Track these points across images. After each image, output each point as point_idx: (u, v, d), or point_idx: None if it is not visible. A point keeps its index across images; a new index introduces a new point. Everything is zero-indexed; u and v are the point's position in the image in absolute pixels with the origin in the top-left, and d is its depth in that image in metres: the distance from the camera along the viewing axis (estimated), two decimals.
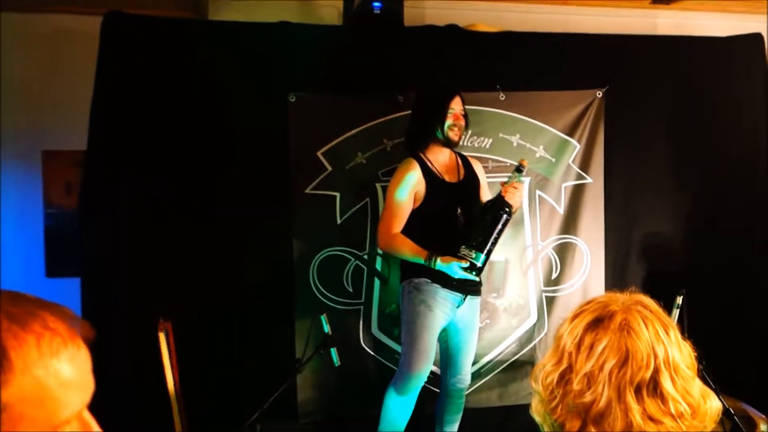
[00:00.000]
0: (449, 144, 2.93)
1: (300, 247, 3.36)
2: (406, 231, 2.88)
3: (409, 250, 2.81)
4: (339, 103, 3.39)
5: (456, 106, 2.92)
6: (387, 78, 3.38)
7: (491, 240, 2.73)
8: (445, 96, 2.93)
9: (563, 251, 3.64)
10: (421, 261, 2.81)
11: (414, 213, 2.89)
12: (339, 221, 3.40)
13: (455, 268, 2.74)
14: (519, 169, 2.77)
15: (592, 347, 1.08)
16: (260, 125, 3.30)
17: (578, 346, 1.09)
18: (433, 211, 2.92)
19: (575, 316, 1.13)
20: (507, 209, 2.72)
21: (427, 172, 2.92)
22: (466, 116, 2.99)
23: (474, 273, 2.76)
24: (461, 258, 2.72)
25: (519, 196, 2.79)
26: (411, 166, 2.91)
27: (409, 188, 2.88)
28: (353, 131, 3.39)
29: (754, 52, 3.69)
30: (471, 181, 3.04)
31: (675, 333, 1.12)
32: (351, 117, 3.40)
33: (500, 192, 2.78)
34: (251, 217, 3.28)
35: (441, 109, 2.90)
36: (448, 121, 2.89)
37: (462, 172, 3.01)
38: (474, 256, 2.71)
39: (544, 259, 3.62)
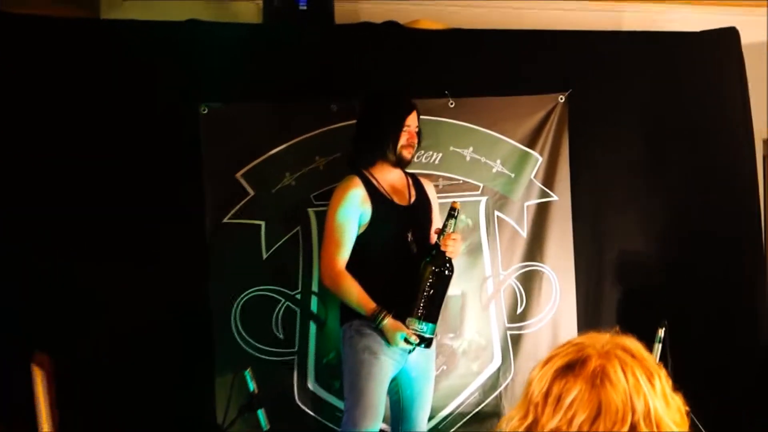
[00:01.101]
0: (401, 164, 2.89)
1: (218, 288, 3.20)
2: (350, 262, 2.80)
3: (356, 298, 2.76)
4: (261, 114, 3.26)
5: (412, 122, 2.89)
6: (317, 84, 3.27)
7: (438, 305, 2.74)
8: (403, 111, 2.87)
9: (528, 281, 3.54)
10: (364, 314, 2.75)
11: (358, 240, 2.81)
12: (265, 255, 3.25)
13: (399, 342, 2.73)
14: (452, 215, 2.72)
15: (560, 399, 1.06)
16: (166, 142, 3.14)
17: (545, 396, 1.08)
18: (381, 238, 2.84)
19: (547, 361, 1.11)
20: (450, 266, 2.73)
21: (373, 192, 2.86)
22: (419, 133, 2.94)
23: (424, 345, 2.75)
24: (410, 332, 2.72)
25: (459, 247, 2.80)
26: (353, 183, 2.84)
27: (352, 209, 2.80)
28: (279, 148, 3.25)
29: (730, 47, 3.64)
30: (422, 203, 2.97)
31: (661, 383, 1.09)
32: (275, 131, 3.26)
33: (438, 246, 2.72)
34: (157, 251, 3.12)
35: (396, 126, 2.85)
36: (402, 140, 2.83)
37: (413, 193, 2.94)
38: (423, 328, 2.72)
39: (507, 290, 3.52)
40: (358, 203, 2.82)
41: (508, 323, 3.50)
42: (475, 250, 3.43)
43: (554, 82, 3.51)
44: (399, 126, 2.85)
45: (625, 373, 1.07)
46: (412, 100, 2.94)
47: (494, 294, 3.49)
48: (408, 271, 2.78)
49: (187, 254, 3.17)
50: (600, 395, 1.05)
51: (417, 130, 2.92)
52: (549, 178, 3.53)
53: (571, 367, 1.08)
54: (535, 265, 3.54)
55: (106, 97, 3.11)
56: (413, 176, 3.05)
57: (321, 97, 3.27)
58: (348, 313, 2.85)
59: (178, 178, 3.17)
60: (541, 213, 3.53)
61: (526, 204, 3.53)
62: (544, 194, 3.54)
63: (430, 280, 2.72)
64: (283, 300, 3.26)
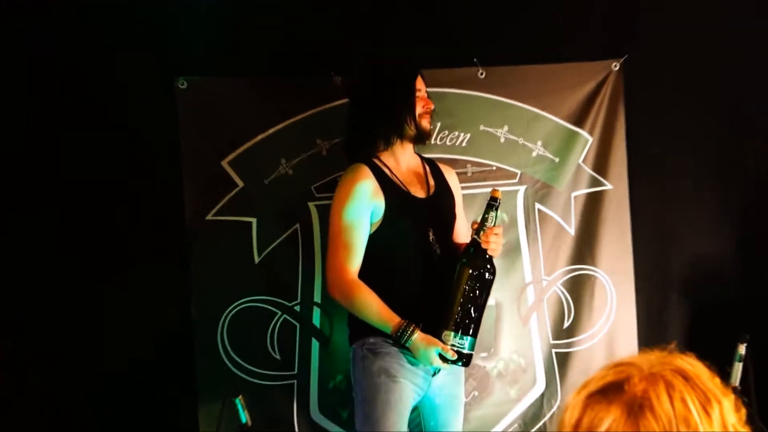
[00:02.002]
0: (422, 137, 2.77)
1: (201, 299, 3.10)
2: (362, 268, 2.68)
3: (375, 312, 2.62)
4: (250, 90, 3.13)
5: (421, 86, 2.77)
6: (317, 53, 3.12)
7: (480, 314, 2.62)
8: (408, 74, 2.75)
9: (578, 288, 3.39)
10: (388, 330, 2.61)
11: (369, 241, 2.69)
12: (257, 259, 3.12)
13: (434, 359, 2.58)
14: (493, 205, 2.58)
15: (591, 430, 1.05)
16: (137, 125, 3.02)
17: (575, 427, 1.07)
18: (397, 238, 2.71)
19: (584, 386, 1.09)
20: (491, 268, 2.59)
21: (386, 182, 2.71)
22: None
23: (461, 363, 2.62)
24: (446, 347, 2.58)
25: (501, 243, 2.66)
26: (361, 173, 2.71)
27: (362, 205, 2.68)
28: (273, 129, 3.12)
29: None
30: (444, 195, 2.81)
31: (722, 413, 1.04)
32: (269, 109, 3.14)
33: (477, 243, 2.58)
34: (127, 255, 3.05)
35: (407, 91, 2.72)
36: (418, 107, 2.73)
37: (432, 183, 2.79)
38: (462, 343, 2.58)
39: (551, 300, 3.38)
40: (369, 196, 2.67)
41: (553, 340, 3.39)
42: (512, 252, 3.29)
43: (607, 47, 3.36)
44: (410, 91, 2.71)
45: (671, 399, 1.03)
46: (414, 62, 2.81)
47: (536, 304, 3.37)
48: (431, 276, 2.67)
49: (163, 259, 3.09)
50: (638, 425, 1.02)
51: (428, 95, 2.77)
52: (601, 163, 3.39)
53: (607, 392, 1.06)
54: (586, 269, 3.42)
55: (65, 72, 2.97)
56: (431, 163, 2.88)
57: (323, 68, 3.14)
58: (359, 328, 2.68)
59: (151, 167, 3.06)
60: (592, 205, 3.40)
61: (573, 194, 3.38)
62: (595, 182, 3.41)
63: (468, 285, 2.58)
64: (280, 313, 3.15)
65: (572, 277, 3.40)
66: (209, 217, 3.07)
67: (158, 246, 3.06)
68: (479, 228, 2.59)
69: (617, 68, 3.34)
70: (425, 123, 2.75)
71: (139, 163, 3.01)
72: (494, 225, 2.58)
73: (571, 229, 3.38)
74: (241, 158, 3.10)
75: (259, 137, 3.11)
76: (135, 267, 3.02)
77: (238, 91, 3.11)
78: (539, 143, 3.32)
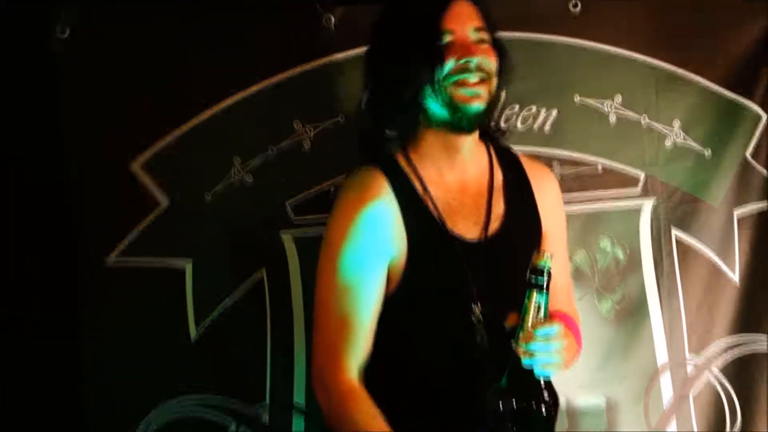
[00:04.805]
0: (462, 121, 2.18)
1: (101, 408, 2.66)
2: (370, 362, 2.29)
3: None
4: (177, 35, 2.65)
5: (458, 23, 2.17)
6: None
7: None
8: (434, 6, 2.20)
9: (747, 374, 2.91)
10: None
11: (383, 312, 2.26)
12: (194, 334, 2.66)
13: None
14: (536, 283, 2.07)
15: None
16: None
17: None
18: (418, 314, 2.27)
19: None
20: (546, 396, 2.16)
21: (412, 204, 2.24)
22: (497, 46, 2.20)
23: None
24: None
25: (559, 350, 2.15)
26: (371, 188, 2.24)
27: (371, 248, 2.21)
28: (217, 106, 2.63)
29: None
30: (519, 231, 2.32)
31: None
32: (211, 71, 2.64)
33: (512, 352, 2.13)
34: None
35: (426, 38, 2.17)
36: (447, 66, 2.13)
37: (500, 206, 2.31)
38: None
39: (702, 396, 2.91)
40: (383, 232, 2.21)
41: None
42: (633, 313, 2.84)
43: None
44: (431, 36, 2.17)
45: None
46: None
47: (677, 404, 2.89)
48: (468, 383, 2.23)
49: (35, 335, 2.66)
50: None
51: (483, 37, 2.19)
52: None
53: None
54: (761, 341, 2.91)
55: None
56: (512, 162, 2.35)
57: None
58: None
59: (12, 176, 2.65)
60: None
61: (737, 213, 2.90)
62: None
63: (502, 426, 2.17)
64: (234, 425, 2.70)
65: (736, 357, 2.93)
66: (111, 260, 2.61)
67: (31, 308, 2.64)
68: (518, 326, 2.10)
69: None
70: (461, 94, 2.13)
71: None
72: (542, 318, 2.06)
73: (735, 274, 2.91)
74: (164, 157, 2.62)
75: (194, 121, 2.61)
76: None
77: (157, 36, 2.63)
78: (677, 125, 2.84)
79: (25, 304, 2.67)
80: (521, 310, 2.06)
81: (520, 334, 2.06)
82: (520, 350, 2.07)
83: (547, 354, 2.07)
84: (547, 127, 2.78)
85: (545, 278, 2.02)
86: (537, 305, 2.04)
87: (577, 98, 2.76)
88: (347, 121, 2.61)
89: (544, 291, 2.03)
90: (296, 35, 2.68)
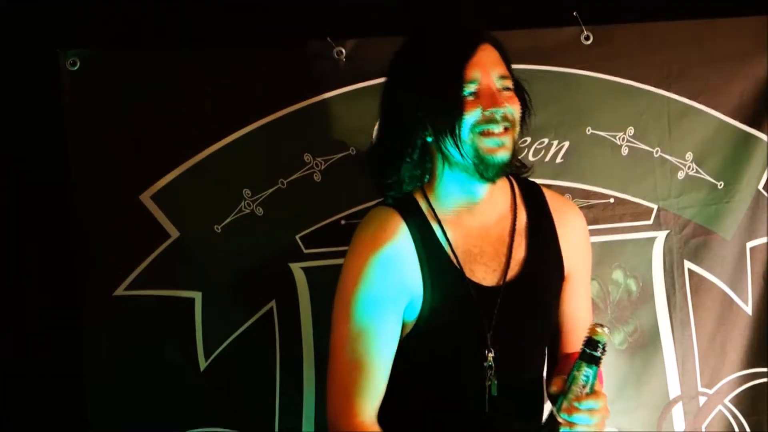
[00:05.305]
0: (489, 170, 2.16)
1: None
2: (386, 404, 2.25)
3: None
4: (188, 69, 2.63)
5: (481, 72, 2.13)
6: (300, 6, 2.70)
7: None
8: (458, 52, 2.15)
9: (760, 407, 2.92)
10: None
11: (398, 356, 2.26)
12: (204, 364, 2.64)
13: None
14: (590, 355, 2.04)
15: None
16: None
17: None
18: (430, 360, 2.26)
19: None
20: None
21: (430, 247, 2.21)
22: (519, 90, 2.19)
23: None
24: None
25: (600, 420, 2.15)
26: (387, 229, 2.21)
27: (387, 291, 2.18)
28: (227, 138, 2.62)
29: None
30: (540, 275, 2.29)
31: None
32: (221, 103, 2.62)
33: (551, 418, 2.16)
34: None
35: (449, 87, 2.12)
36: (471, 116, 2.10)
37: (521, 251, 2.28)
38: None
39: (714, 428, 2.91)
40: (397, 275, 2.16)
41: None
42: (646, 345, 2.85)
43: None
44: (457, 84, 2.10)
45: None
46: (481, 31, 2.22)
47: None
48: (477, 429, 2.23)
49: (41, 364, 2.64)
50: None
51: (507, 85, 2.14)
52: None
53: None
54: None
55: None
56: (536, 198, 2.32)
57: (313, 28, 2.66)
58: None
59: (18, 207, 2.62)
60: None
61: (749, 245, 2.92)
62: None
63: None
64: None
65: (751, 388, 2.94)
66: (119, 292, 2.57)
67: (37, 346, 2.61)
68: (562, 392, 2.07)
69: None
70: (487, 144, 2.08)
71: None
72: (589, 391, 2.02)
73: (748, 307, 2.91)
74: (174, 189, 2.60)
75: (205, 153, 2.59)
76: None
77: (167, 70, 2.62)
78: (689, 157, 2.84)
79: (32, 335, 2.67)
80: (568, 377, 2.05)
81: (564, 403, 2.04)
82: (562, 420, 2.06)
83: (587, 426, 2.06)
84: (558, 159, 2.77)
85: (599, 353, 2.00)
86: (585, 377, 2.03)
87: (588, 130, 2.76)
88: (358, 154, 2.61)
89: (596, 365, 2.02)
90: (307, 67, 2.68)
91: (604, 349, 1.99)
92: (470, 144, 2.07)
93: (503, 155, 2.06)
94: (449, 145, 2.07)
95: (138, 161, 2.60)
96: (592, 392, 2.00)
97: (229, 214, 2.61)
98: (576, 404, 2.01)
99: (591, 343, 1.98)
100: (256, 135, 2.63)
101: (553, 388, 2.09)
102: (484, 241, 2.19)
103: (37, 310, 2.68)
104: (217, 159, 2.62)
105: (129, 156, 2.60)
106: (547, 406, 2.29)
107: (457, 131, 2.06)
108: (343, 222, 2.55)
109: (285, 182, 2.63)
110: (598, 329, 1.98)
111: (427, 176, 2.16)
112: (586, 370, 2.01)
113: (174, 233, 2.59)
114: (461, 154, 2.07)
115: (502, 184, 2.16)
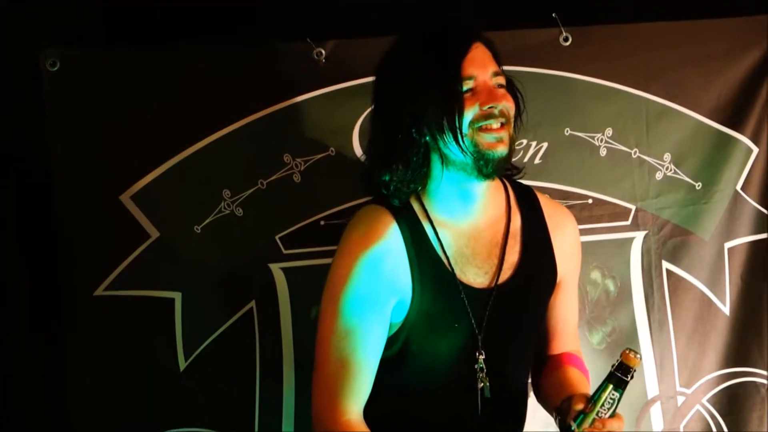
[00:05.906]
0: (486, 167, 2.16)
1: None
2: (371, 405, 2.24)
3: None
4: (167, 69, 2.65)
5: (479, 69, 2.14)
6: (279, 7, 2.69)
7: None
8: (455, 49, 2.16)
9: (737, 406, 2.93)
10: None
11: (384, 358, 2.26)
12: (183, 364, 2.65)
13: None
14: (619, 378, 2.08)
15: None
16: None
17: None
18: (420, 362, 2.25)
19: None
20: None
21: (421, 248, 2.19)
22: (511, 88, 2.21)
23: None
24: None
25: None
26: (377, 228, 2.19)
27: (376, 291, 2.17)
28: (208, 139, 2.63)
29: None
30: (534, 278, 2.29)
31: None
32: (201, 103, 2.63)
33: (573, 429, 2.13)
34: None
35: (449, 82, 2.13)
36: (469, 111, 2.10)
37: (514, 253, 2.28)
38: None
39: (692, 427, 2.91)
40: (388, 276, 2.15)
41: None
42: (624, 344, 2.76)
43: None
44: (454, 81, 2.09)
45: None
46: (474, 29, 2.21)
47: None
48: (467, 430, 2.24)
49: (23, 363, 2.65)
50: None
51: (500, 83, 2.14)
52: None
53: None
54: (752, 374, 2.94)
55: None
56: (530, 201, 2.33)
57: (292, 31, 2.65)
58: None
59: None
60: (761, 265, 2.93)
61: (727, 246, 2.91)
62: (766, 225, 2.95)
63: None
64: None
65: (728, 388, 2.94)
66: (99, 292, 2.58)
67: (18, 345, 2.61)
68: (584, 411, 2.08)
69: None
70: (486, 139, 2.08)
71: None
72: (612, 414, 2.06)
73: (726, 307, 2.90)
74: (154, 189, 2.61)
75: (184, 154, 2.60)
76: None
77: (147, 71, 2.62)
78: (668, 158, 2.83)
79: (13, 333, 2.65)
80: (593, 396, 2.07)
81: (585, 422, 2.06)
82: None
83: None
84: (537, 160, 2.76)
85: (629, 379, 2.03)
86: (612, 400, 2.05)
87: (566, 131, 2.77)
88: (338, 155, 2.61)
89: (623, 390, 2.04)
90: (287, 68, 2.67)
91: (632, 375, 2.03)
92: (470, 140, 2.07)
93: (502, 150, 2.07)
94: (450, 142, 2.07)
95: (118, 161, 2.59)
96: (614, 415, 2.05)
97: (209, 214, 2.60)
98: (600, 426, 2.05)
99: (623, 368, 2.01)
100: (236, 135, 2.62)
101: (576, 405, 2.10)
102: (477, 242, 2.19)
103: (18, 309, 2.66)
104: (197, 159, 2.61)
105: (109, 156, 2.60)
106: (531, 410, 2.28)
107: (458, 127, 2.07)
108: (322, 222, 2.54)
109: (265, 183, 2.63)
110: (632, 355, 2.01)
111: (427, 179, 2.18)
112: (613, 393, 2.04)
113: (154, 233, 2.59)
114: (462, 150, 2.07)
115: (497, 186, 2.16)
